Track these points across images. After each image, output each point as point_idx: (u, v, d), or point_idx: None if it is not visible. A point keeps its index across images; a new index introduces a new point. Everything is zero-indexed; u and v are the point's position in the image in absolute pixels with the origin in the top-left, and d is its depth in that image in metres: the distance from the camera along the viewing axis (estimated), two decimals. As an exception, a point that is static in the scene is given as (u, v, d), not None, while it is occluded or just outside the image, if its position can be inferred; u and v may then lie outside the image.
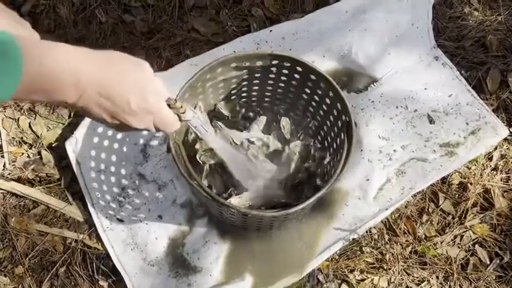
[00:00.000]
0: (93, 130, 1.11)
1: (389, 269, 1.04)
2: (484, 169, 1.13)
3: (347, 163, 0.84)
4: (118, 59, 0.58)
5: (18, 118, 1.16)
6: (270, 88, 1.03)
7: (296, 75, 0.95)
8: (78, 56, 0.53)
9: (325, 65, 1.19)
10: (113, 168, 1.10)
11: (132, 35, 1.26)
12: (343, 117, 0.89)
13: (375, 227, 1.07)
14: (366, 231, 1.06)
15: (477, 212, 1.10)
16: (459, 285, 1.04)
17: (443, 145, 1.14)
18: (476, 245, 1.07)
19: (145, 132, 1.11)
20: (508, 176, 1.13)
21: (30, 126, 1.15)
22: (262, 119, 1.05)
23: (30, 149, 1.13)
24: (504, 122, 1.17)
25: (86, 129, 1.11)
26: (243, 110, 1.07)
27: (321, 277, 1.03)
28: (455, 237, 1.08)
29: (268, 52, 0.92)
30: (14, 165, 1.12)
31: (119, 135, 1.11)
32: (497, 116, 1.18)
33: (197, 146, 0.97)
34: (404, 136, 1.14)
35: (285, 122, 1.04)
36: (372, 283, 1.03)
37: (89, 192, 1.07)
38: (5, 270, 1.03)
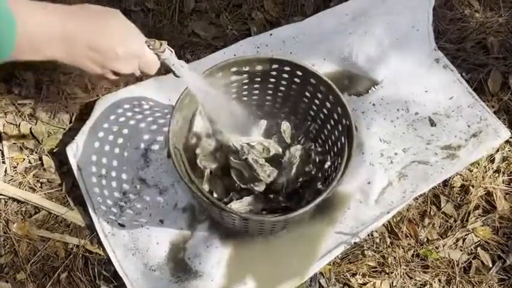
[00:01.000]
0: (94, 135, 1.11)
1: (392, 272, 1.03)
2: (486, 171, 1.13)
3: (348, 167, 0.84)
4: (94, 12, 0.63)
5: (19, 123, 1.16)
6: (271, 92, 1.03)
7: (296, 79, 0.95)
8: (59, 14, 0.58)
9: (325, 68, 1.19)
10: (114, 173, 1.10)
11: (133, 40, 1.26)
12: (344, 121, 0.89)
13: (376, 231, 1.06)
14: (368, 235, 1.05)
15: (479, 214, 1.10)
16: (462, 288, 1.04)
17: (445, 148, 1.14)
18: (479, 248, 1.07)
19: (146, 137, 1.12)
20: (510, 178, 1.13)
21: (31, 131, 1.15)
22: (263, 123, 1.05)
23: (31, 154, 1.14)
24: (506, 124, 1.17)
25: (87, 135, 1.11)
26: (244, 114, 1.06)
27: (323, 281, 1.03)
28: (458, 240, 1.08)
29: (268, 57, 0.92)
30: (15, 171, 1.12)
31: (120, 140, 1.12)
32: (499, 118, 1.17)
33: (197, 151, 0.97)
34: (406, 139, 1.14)
35: (286, 126, 1.04)
36: (374, 287, 1.02)
37: (90, 197, 1.07)
38: (7, 276, 1.03)
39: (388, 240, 1.06)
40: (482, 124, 1.16)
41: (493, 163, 1.14)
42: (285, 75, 0.95)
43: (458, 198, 1.11)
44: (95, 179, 1.09)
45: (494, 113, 1.18)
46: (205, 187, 0.97)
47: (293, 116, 1.08)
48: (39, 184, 1.11)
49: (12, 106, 1.17)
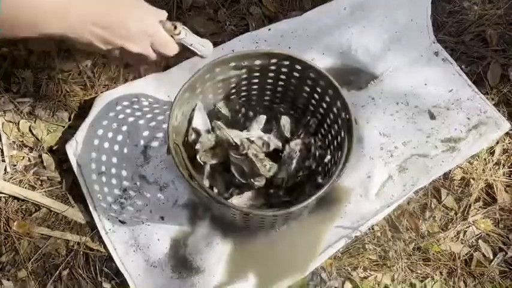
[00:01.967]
0: (94, 132, 1.11)
1: (393, 265, 1.03)
2: (486, 164, 1.13)
3: (348, 160, 0.84)
4: None
5: (19, 122, 1.16)
6: (270, 87, 1.03)
7: (295, 74, 0.95)
8: None
9: (324, 62, 1.19)
10: (113, 170, 1.09)
11: (131, 37, 1.25)
12: (344, 115, 0.89)
13: (377, 224, 1.06)
14: (369, 229, 1.05)
15: (480, 207, 1.10)
16: (463, 280, 1.04)
17: (445, 140, 1.13)
18: (480, 240, 1.07)
19: (145, 134, 1.11)
20: (511, 170, 1.13)
21: (30, 129, 1.15)
22: (262, 118, 1.05)
23: (31, 152, 1.13)
24: (505, 116, 1.17)
25: (86, 132, 1.11)
26: (243, 110, 1.06)
27: (324, 275, 1.03)
28: (459, 232, 1.08)
29: (266, 51, 0.91)
30: (15, 169, 1.12)
31: (119, 137, 1.11)
32: (499, 110, 1.17)
33: (197, 147, 0.97)
34: (406, 132, 1.14)
35: (285, 121, 1.04)
36: (376, 280, 1.03)
37: (91, 194, 1.07)
38: (8, 274, 1.03)
39: (389, 234, 1.06)
40: (482, 116, 1.16)
41: (493, 155, 1.14)
42: (284, 70, 0.95)
43: (459, 191, 1.11)
44: (95, 176, 1.08)
45: (494, 105, 1.18)
46: (206, 183, 0.97)
47: (293, 110, 1.08)
48: (39, 182, 1.11)
49: (11, 104, 1.17)
